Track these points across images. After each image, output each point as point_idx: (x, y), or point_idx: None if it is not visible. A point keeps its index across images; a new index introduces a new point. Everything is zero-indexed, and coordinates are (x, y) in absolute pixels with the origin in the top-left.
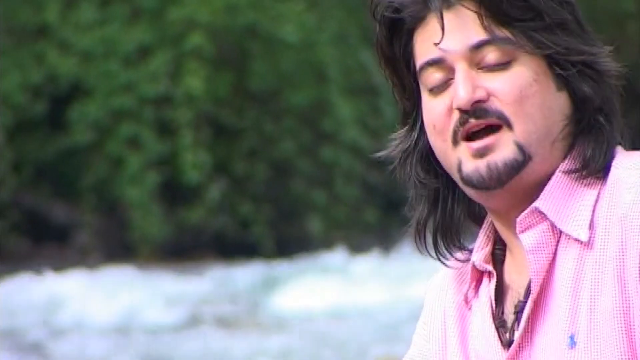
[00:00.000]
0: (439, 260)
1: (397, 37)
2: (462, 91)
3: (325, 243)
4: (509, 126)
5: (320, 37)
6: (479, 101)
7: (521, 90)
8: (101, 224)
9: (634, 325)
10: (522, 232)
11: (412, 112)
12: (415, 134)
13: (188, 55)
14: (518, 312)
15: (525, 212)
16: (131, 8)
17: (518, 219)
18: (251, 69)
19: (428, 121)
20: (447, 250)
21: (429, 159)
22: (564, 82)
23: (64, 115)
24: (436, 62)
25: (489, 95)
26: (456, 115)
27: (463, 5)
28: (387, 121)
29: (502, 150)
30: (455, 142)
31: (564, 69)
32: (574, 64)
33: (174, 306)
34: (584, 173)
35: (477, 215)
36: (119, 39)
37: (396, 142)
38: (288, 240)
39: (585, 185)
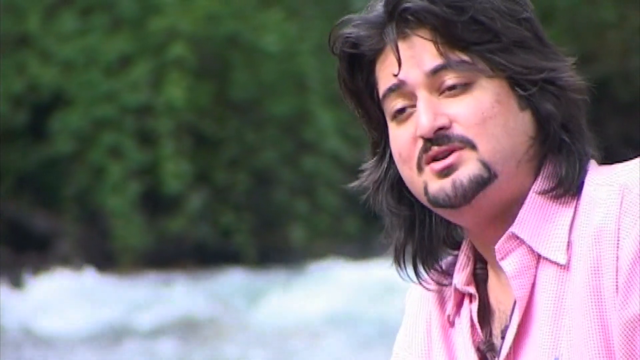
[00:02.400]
0: (421, 285)
1: (358, 70)
2: (423, 120)
3: (306, 252)
4: (473, 147)
5: (301, 47)
6: (441, 128)
7: (483, 112)
8: (82, 233)
9: (612, 343)
10: (502, 259)
11: (380, 142)
12: (385, 164)
13: (169, 65)
14: (504, 337)
15: (502, 238)
16: (112, 18)
17: (496, 247)
18: (232, 79)
19: (394, 150)
20: (427, 274)
21: (400, 187)
22: (526, 101)
23: (46, 124)
24: (397, 88)
25: (451, 121)
26: (420, 143)
27: (418, 35)
28: None
29: (467, 167)
30: (420, 169)
31: (525, 89)
32: (534, 82)
33: (155, 315)
34: (557, 193)
35: (454, 241)
36: (100, 49)
37: (367, 173)
38: (270, 249)
39: (559, 205)
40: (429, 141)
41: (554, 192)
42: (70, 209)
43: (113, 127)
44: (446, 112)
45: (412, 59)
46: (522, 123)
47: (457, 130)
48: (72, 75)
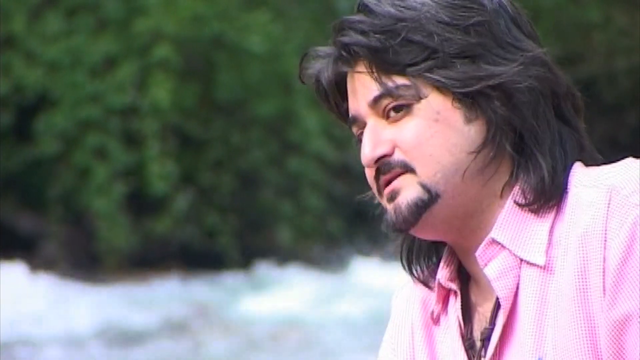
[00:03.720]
0: (420, 281)
1: (331, 97)
2: (364, 151)
3: (291, 253)
4: (412, 171)
5: (286, 48)
6: (383, 157)
7: (419, 134)
8: (68, 235)
9: (599, 345)
10: (485, 265)
11: None
12: None
13: (154, 66)
14: (484, 339)
15: (483, 245)
16: (97, 19)
17: (477, 254)
18: (217, 80)
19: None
20: (421, 271)
21: None
22: (473, 112)
23: (30, 125)
24: (354, 120)
25: (393, 148)
26: (373, 170)
27: (357, 68)
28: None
29: (407, 191)
30: (380, 194)
31: (466, 97)
32: (474, 93)
33: (140, 316)
34: (534, 198)
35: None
36: (85, 50)
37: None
38: (255, 250)
39: (538, 208)
40: (377, 169)
41: (532, 198)
42: (55, 211)
43: (98, 128)
44: (389, 138)
45: (357, 93)
46: (466, 137)
47: (398, 156)
48: (57, 76)
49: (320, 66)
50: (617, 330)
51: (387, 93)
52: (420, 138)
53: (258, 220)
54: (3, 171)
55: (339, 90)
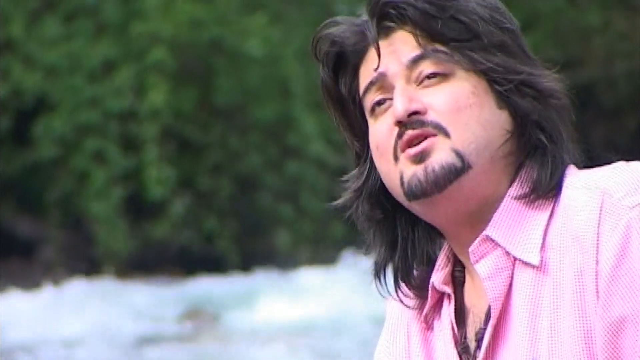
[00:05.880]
0: (401, 302)
1: (342, 75)
2: (398, 103)
3: (291, 257)
4: (446, 134)
5: (285, 52)
6: (416, 113)
7: (457, 100)
8: (66, 239)
9: (595, 347)
10: (477, 261)
11: (362, 153)
12: (365, 172)
13: (152, 71)
14: (479, 339)
15: (477, 241)
16: (95, 23)
17: (470, 249)
18: (216, 84)
19: (373, 144)
20: (409, 290)
21: (379, 196)
22: (504, 100)
23: (29, 130)
24: (377, 81)
25: (426, 108)
26: (395, 131)
27: (398, 30)
28: None
29: (439, 153)
30: (396, 158)
31: (502, 85)
32: (511, 82)
33: (139, 321)
34: (532, 197)
35: (431, 259)
36: (84, 54)
37: (349, 184)
38: (254, 254)
39: (534, 208)
40: (404, 126)
41: (530, 197)
42: (54, 215)
43: (97, 133)
44: (422, 99)
45: (393, 53)
46: (498, 119)
47: (432, 116)
48: (56, 80)
49: (344, 32)
50: (612, 332)
51: (427, 55)
52: (459, 104)
53: (257, 225)
54: (2, 175)
55: (358, 64)
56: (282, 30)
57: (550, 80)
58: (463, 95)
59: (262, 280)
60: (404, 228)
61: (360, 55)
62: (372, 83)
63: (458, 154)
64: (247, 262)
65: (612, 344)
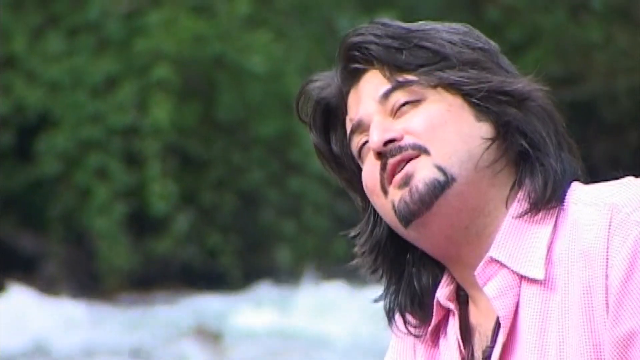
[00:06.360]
0: (410, 333)
1: (332, 134)
2: (372, 135)
3: (293, 273)
4: (426, 152)
5: (288, 68)
6: (392, 140)
7: (432, 119)
8: (69, 255)
9: None
10: (485, 284)
11: (365, 205)
12: (370, 223)
13: (155, 86)
14: (486, 357)
15: (482, 264)
16: (98, 39)
17: (476, 273)
18: (218, 100)
19: (365, 186)
20: (417, 323)
21: (388, 244)
22: (483, 113)
23: (32, 145)
24: (357, 128)
25: (402, 134)
26: (378, 164)
27: (369, 70)
28: None
29: (422, 172)
30: (385, 192)
31: (473, 96)
32: (482, 90)
33: (141, 336)
34: (533, 212)
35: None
36: (86, 70)
37: (357, 238)
38: (256, 270)
39: (536, 222)
40: (384, 156)
41: (530, 213)
42: (56, 230)
43: (99, 149)
44: (397, 127)
45: (366, 95)
46: (478, 131)
47: (409, 139)
48: (58, 96)
49: (320, 84)
50: (622, 347)
51: (398, 86)
52: (434, 122)
53: (260, 240)
54: (4, 191)
55: (335, 113)
56: (285, 46)
57: (524, 83)
58: (438, 113)
59: (264, 295)
60: (410, 266)
61: (343, 107)
62: (352, 131)
63: (440, 168)
64: (249, 278)
65: (621, 358)
